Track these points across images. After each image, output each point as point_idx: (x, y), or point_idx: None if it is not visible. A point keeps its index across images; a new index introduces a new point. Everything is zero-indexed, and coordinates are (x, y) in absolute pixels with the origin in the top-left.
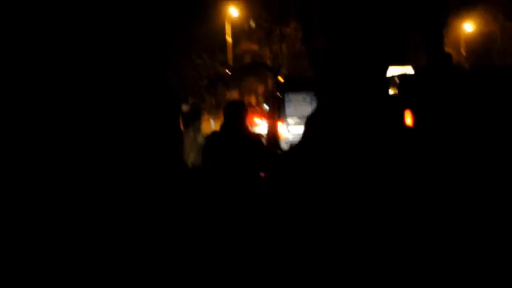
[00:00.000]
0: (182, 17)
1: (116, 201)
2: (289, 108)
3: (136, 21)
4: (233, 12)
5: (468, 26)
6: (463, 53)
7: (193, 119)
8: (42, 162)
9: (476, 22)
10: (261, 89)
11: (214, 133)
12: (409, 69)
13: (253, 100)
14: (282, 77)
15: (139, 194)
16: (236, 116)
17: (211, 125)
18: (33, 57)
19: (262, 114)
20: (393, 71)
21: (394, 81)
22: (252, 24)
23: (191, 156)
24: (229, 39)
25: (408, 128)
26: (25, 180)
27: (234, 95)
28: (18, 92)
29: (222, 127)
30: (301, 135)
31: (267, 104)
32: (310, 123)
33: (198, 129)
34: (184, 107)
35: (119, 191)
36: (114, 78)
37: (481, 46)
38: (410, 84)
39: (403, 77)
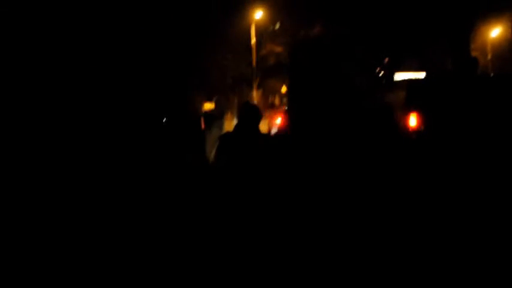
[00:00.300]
0: (209, 19)
1: (133, 197)
2: None
3: (161, 23)
4: (258, 14)
5: (495, 32)
6: (489, 58)
7: (217, 118)
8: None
9: (503, 27)
10: (284, 89)
11: (227, 133)
12: (422, 75)
13: (276, 100)
14: None
15: (155, 188)
16: (249, 117)
17: (234, 124)
18: (36, 57)
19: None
20: (407, 76)
21: (404, 85)
22: (277, 26)
23: (213, 154)
24: (254, 40)
25: (412, 130)
26: (33, 179)
27: (257, 95)
28: (23, 92)
29: (236, 127)
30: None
31: None
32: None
33: (221, 128)
34: (208, 106)
35: (137, 186)
36: (134, 78)
37: (506, 51)
38: (417, 88)
39: (410, 81)
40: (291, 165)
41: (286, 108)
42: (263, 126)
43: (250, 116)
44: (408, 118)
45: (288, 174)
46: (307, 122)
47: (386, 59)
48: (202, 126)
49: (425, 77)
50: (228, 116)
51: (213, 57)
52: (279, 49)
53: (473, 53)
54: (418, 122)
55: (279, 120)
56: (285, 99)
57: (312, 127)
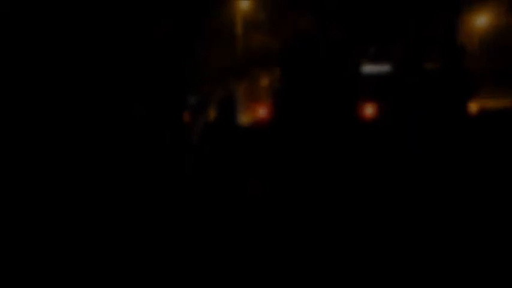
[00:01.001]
0: (191, 9)
1: (123, 192)
2: None
3: (146, 15)
4: (244, 3)
5: (483, 19)
6: (477, 44)
7: (202, 110)
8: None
9: (492, 14)
10: (270, 81)
11: (207, 123)
12: (386, 67)
13: (262, 92)
14: None
15: (145, 183)
16: (226, 110)
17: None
18: (36, 57)
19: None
20: (372, 68)
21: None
22: (264, 16)
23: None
24: (239, 30)
25: (367, 119)
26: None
27: (242, 86)
28: (21, 93)
29: (215, 119)
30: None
31: None
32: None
33: (206, 119)
34: (193, 99)
35: (127, 180)
36: (120, 72)
37: (495, 38)
38: (376, 79)
39: (371, 73)
40: (274, 156)
41: (274, 100)
42: (247, 118)
43: (226, 107)
44: (364, 108)
45: (271, 164)
46: (296, 118)
47: (372, 49)
48: (187, 119)
49: (387, 70)
50: (213, 108)
51: (196, 48)
52: (265, 39)
53: (461, 40)
54: (372, 112)
55: (263, 111)
56: (270, 90)
57: (300, 123)
